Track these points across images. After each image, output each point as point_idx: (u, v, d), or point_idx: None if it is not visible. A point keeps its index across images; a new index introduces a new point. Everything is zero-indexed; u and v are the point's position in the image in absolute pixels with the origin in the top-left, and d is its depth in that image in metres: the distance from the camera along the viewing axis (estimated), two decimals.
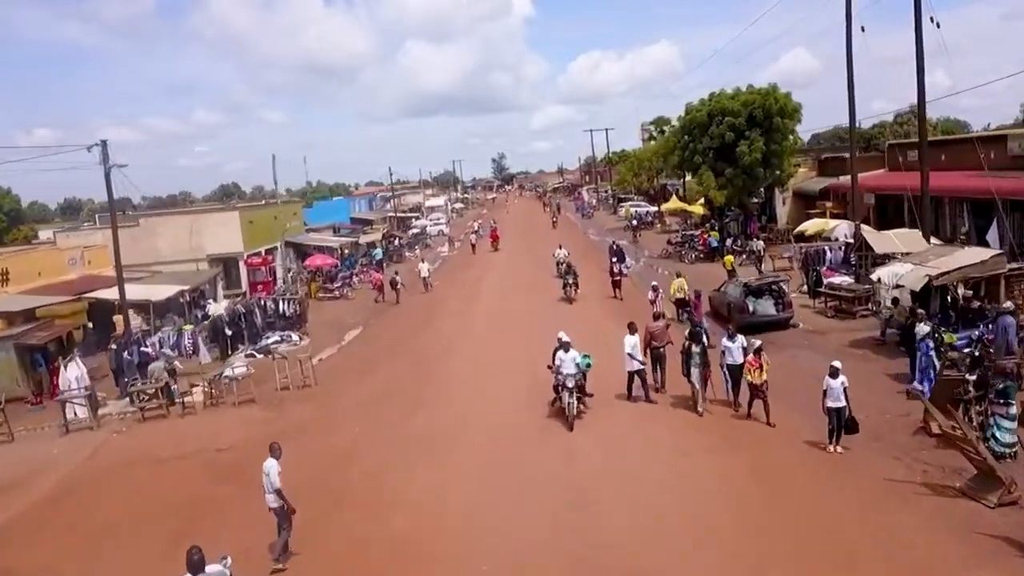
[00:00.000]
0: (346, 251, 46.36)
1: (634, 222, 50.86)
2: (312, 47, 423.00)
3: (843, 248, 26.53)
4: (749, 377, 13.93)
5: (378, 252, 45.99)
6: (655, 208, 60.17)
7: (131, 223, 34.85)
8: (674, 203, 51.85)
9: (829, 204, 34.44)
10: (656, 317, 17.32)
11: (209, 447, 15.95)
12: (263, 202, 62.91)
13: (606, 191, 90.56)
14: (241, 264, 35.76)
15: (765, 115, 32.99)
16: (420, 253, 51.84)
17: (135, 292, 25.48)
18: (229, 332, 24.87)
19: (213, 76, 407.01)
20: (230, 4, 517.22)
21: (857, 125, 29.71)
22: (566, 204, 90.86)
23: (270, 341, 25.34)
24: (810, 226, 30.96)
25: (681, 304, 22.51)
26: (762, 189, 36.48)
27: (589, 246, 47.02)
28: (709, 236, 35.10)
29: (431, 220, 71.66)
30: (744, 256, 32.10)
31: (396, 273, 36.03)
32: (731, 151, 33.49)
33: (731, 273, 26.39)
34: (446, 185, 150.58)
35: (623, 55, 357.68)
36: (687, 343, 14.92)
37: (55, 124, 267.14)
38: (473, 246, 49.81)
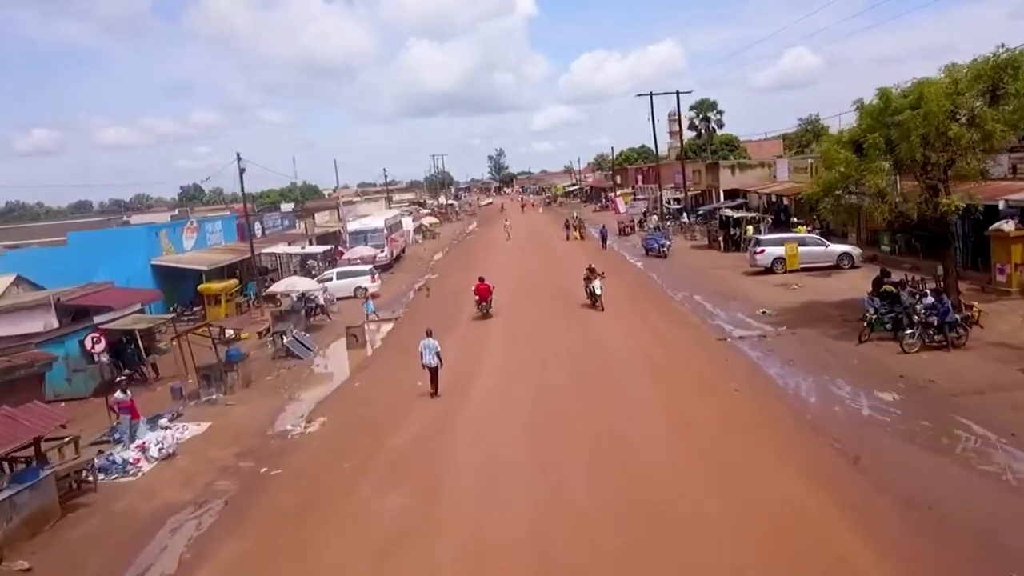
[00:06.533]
0: None
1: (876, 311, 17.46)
2: (311, 46, 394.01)
3: None
4: None
5: None
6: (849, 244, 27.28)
7: None
8: None
9: None
10: None
11: None
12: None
13: (669, 201, 56.73)
14: None
15: None
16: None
17: None
18: None
19: (210, 76, 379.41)
20: (228, 2, 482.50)
21: None
22: (587, 218, 56.03)
23: None
24: None
25: None
26: None
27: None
28: None
29: (342, 268, 34.90)
30: None
31: None
32: None
33: None
34: (440, 186, 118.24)
35: (626, 55, 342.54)
36: None
37: (47, 124, 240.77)
38: (432, 372, 16.88)
